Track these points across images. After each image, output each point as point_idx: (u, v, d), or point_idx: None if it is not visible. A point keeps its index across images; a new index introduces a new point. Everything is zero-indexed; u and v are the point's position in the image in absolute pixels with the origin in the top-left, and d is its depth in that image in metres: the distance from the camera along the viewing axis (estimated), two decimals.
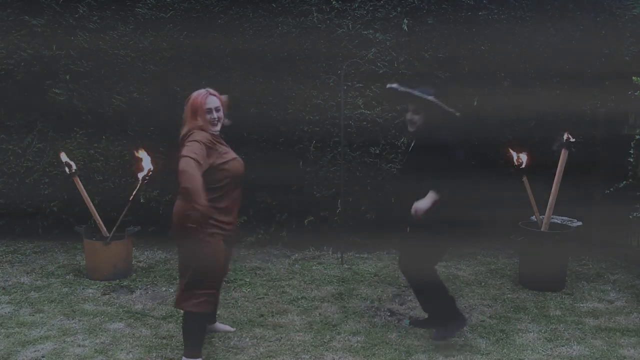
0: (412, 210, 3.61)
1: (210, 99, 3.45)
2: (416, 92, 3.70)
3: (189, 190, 3.10)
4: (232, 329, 4.05)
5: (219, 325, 4.05)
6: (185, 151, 3.22)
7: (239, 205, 3.59)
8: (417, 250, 3.82)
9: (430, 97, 3.67)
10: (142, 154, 4.99)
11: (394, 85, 3.83)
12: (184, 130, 3.46)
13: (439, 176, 3.59)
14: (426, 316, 4.22)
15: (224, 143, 3.53)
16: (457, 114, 3.82)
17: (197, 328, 3.49)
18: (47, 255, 5.80)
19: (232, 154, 3.49)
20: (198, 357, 3.50)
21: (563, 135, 4.83)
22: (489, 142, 5.64)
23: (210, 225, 3.32)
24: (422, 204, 3.60)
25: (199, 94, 3.45)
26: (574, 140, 4.81)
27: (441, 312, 3.91)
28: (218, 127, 3.47)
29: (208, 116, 3.42)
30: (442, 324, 3.85)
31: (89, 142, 5.99)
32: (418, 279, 3.89)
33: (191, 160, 3.15)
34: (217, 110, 3.45)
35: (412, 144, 3.90)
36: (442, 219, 3.61)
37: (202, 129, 3.40)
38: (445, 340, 3.83)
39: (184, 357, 3.50)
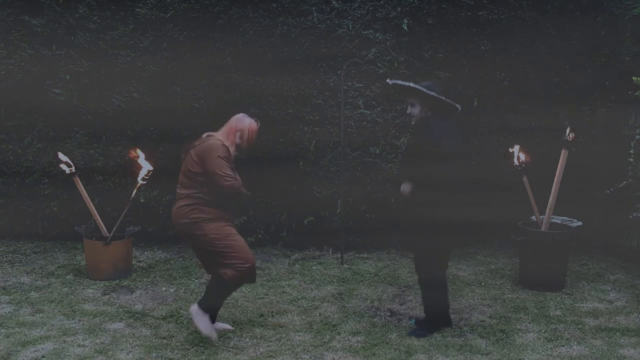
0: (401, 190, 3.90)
1: (248, 127, 3.90)
2: (412, 84, 3.82)
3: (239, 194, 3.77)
4: (231, 328, 4.06)
5: (219, 324, 4.06)
6: (218, 171, 3.66)
7: (233, 204, 3.97)
8: (425, 248, 3.92)
9: (430, 92, 3.78)
10: (140, 154, 5.00)
11: (392, 80, 3.96)
12: (216, 134, 3.83)
13: (425, 167, 3.70)
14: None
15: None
16: (458, 106, 3.89)
17: (223, 292, 3.82)
18: (47, 255, 5.80)
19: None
20: (207, 314, 3.76)
21: (566, 130, 4.82)
22: (488, 142, 5.63)
23: (206, 217, 3.71)
24: (405, 186, 3.90)
25: (252, 123, 3.89)
26: (572, 137, 4.81)
27: (433, 311, 4.05)
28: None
29: (246, 145, 3.90)
30: (427, 321, 4.04)
31: (89, 142, 5.99)
32: (426, 276, 3.99)
33: (229, 181, 3.67)
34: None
35: (408, 138, 4.05)
36: (436, 216, 3.70)
37: (234, 145, 3.83)
38: (422, 336, 3.96)
39: (197, 304, 3.77)
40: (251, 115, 3.93)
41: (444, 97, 3.83)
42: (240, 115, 3.91)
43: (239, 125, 3.85)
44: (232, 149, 3.81)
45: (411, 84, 3.84)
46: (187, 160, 3.76)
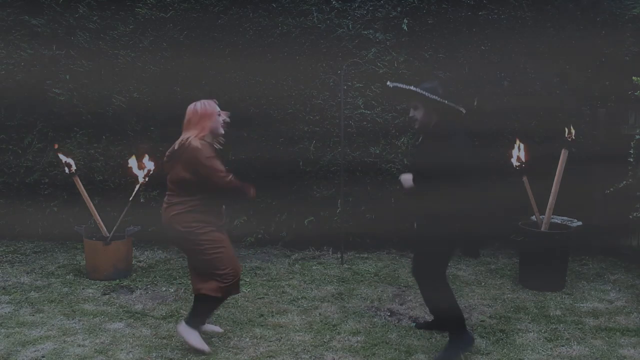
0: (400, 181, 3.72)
1: (216, 105, 3.73)
2: (413, 87, 3.63)
3: (242, 194, 3.70)
4: (221, 330, 4.02)
5: (208, 326, 4.01)
6: (214, 172, 3.56)
7: (223, 204, 3.84)
8: (426, 255, 3.72)
9: (433, 95, 3.58)
10: (132, 161, 5.01)
11: (393, 84, 3.77)
12: (186, 135, 3.64)
13: (439, 177, 3.46)
14: (430, 319, 4.20)
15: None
16: (463, 110, 3.70)
17: (209, 308, 3.80)
18: (47, 255, 5.80)
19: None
20: (197, 329, 3.75)
21: (566, 130, 4.82)
22: (489, 142, 5.63)
23: (200, 225, 3.62)
24: (406, 180, 3.70)
25: (206, 102, 3.70)
26: (573, 138, 4.81)
27: (449, 322, 3.77)
28: (223, 131, 3.75)
29: (221, 118, 3.70)
30: (448, 346, 3.72)
31: (89, 142, 6.00)
32: (428, 285, 3.76)
33: (225, 179, 3.59)
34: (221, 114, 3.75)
35: (418, 142, 3.83)
36: (451, 226, 3.54)
37: (212, 132, 3.66)
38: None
39: (184, 322, 3.74)
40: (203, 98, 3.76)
41: (446, 101, 3.63)
42: (196, 104, 3.69)
43: (209, 111, 3.66)
44: (214, 144, 3.68)
45: (412, 88, 3.64)
46: (177, 170, 3.60)
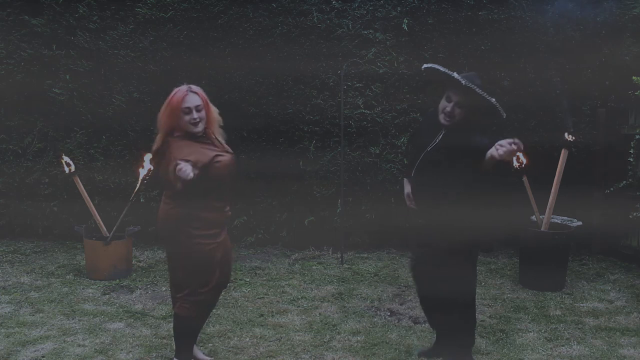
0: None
1: (190, 96, 3.11)
2: (477, 89, 3.15)
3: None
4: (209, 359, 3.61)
5: (198, 354, 3.56)
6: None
7: (230, 200, 3.38)
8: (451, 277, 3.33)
9: (493, 100, 3.18)
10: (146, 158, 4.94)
11: (433, 65, 3.26)
12: (158, 140, 3.13)
13: (461, 184, 3.22)
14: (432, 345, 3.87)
15: (209, 141, 3.22)
16: (504, 115, 3.30)
17: (186, 330, 3.33)
18: (47, 255, 5.80)
19: (211, 154, 3.14)
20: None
21: (564, 135, 4.82)
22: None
23: (199, 229, 3.16)
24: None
25: (177, 91, 3.13)
26: (573, 139, 4.81)
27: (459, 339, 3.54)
28: (200, 128, 3.13)
29: (187, 117, 3.07)
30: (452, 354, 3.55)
31: (89, 142, 6.00)
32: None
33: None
34: (197, 109, 3.09)
35: (439, 139, 3.33)
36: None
37: (179, 130, 3.11)
38: None
39: (175, 358, 3.41)
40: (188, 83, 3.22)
41: (494, 100, 3.20)
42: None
43: (170, 105, 3.10)
44: (159, 137, 3.10)
45: (475, 88, 3.15)
46: (163, 166, 3.14)
